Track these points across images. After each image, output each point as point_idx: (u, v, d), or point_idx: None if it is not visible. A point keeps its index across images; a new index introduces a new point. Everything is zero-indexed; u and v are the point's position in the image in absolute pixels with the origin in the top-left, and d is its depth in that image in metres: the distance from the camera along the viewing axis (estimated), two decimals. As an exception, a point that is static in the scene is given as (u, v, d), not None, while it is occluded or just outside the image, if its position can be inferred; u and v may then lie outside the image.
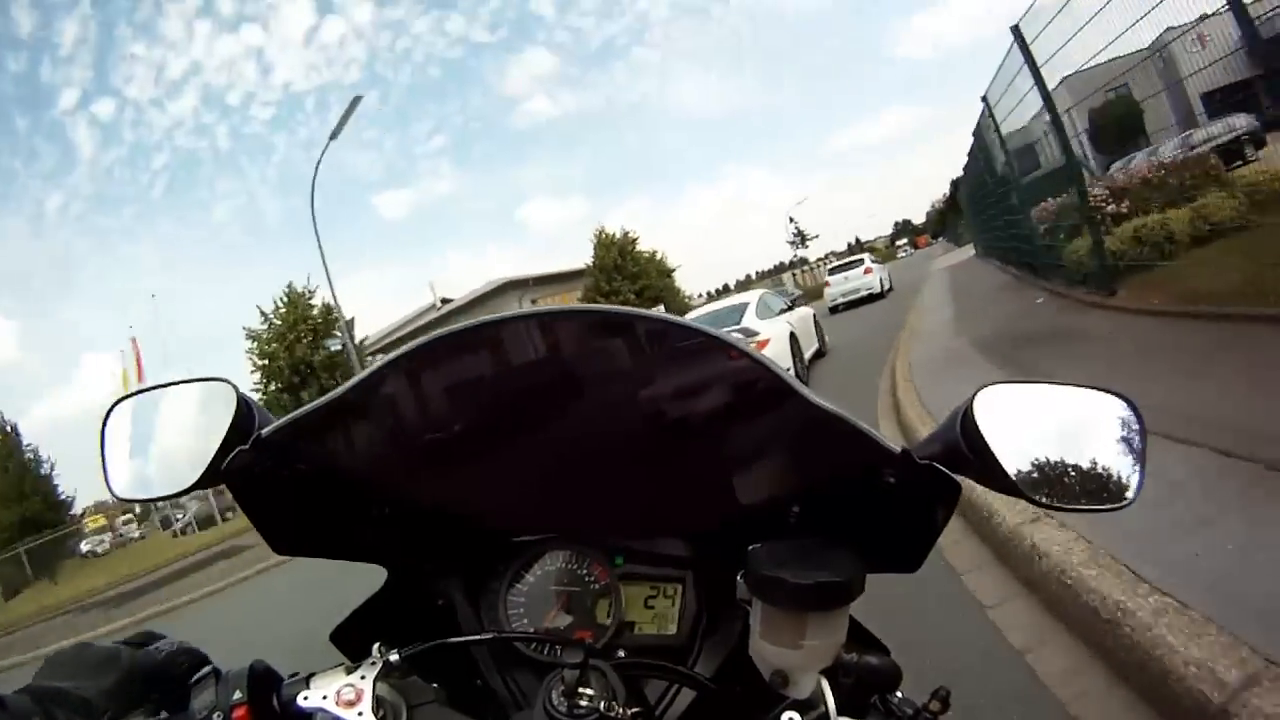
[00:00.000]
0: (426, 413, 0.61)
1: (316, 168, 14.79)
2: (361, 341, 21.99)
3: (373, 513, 0.69)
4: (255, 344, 21.16)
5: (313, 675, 0.56)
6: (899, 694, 0.55)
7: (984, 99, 8.89)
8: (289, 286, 21.53)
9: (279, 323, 21.14)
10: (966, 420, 0.51)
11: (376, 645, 0.57)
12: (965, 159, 15.11)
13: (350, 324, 18.14)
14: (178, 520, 23.98)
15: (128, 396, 0.65)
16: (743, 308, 8.75)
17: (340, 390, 0.55)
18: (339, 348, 18.64)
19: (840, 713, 0.50)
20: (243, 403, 0.58)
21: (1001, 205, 11.28)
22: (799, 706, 0.51)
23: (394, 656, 0.57)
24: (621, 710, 0.52)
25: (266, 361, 20.82)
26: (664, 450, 0.62)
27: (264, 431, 0.57)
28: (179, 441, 0.61)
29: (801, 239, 50.36)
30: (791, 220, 50.33)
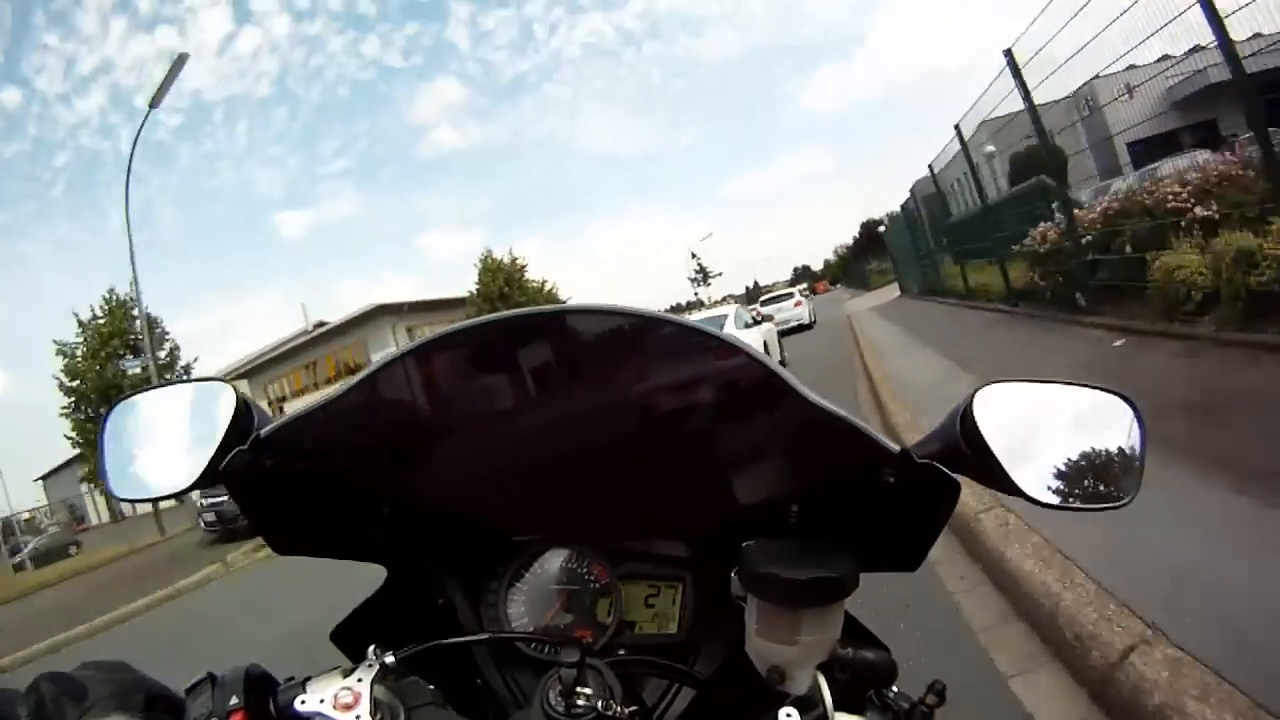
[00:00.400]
0: (426, 413, 0.61)
1: (135, 141, 12.28)
2: (188, 364, 17.74)
3: (372, 512, 0.68)
4: (66, 361, 16.77)
5: (309, 679, 0.54)
6: (895, 689, 0.53)
7: (1006, 52, 7.19)
8: (109, 293, 17.20)
9: (96, 336, 16.69)
10: (966, 419, 0.50)
11: (372, 648, 0.55)
12: (903, 196, 14.87)
13: (159, 338, 14.47)
14: (22, 550, 20.62)
15: (127, 397, 0.64)
16: (722, 319, 9.84)
17: (339, 390, 0.55)
18: (138, 370, 14.81)
19: (837, 708, 0.49)
20: (242, 403, 0.58)
21: (989, 223, 9.88)
22: (796, 703, 0.50)
23: (390, 658, 0.55)
24: (619, 709, 0.52)
25: (76, 382, 16.40)
26: (663, 450, 0.62)
27: (263, 432, 0.56)
28: (178, 442, 0.60)
29: (704, 276, 49.56)
30: (694, 256, 49.71)
